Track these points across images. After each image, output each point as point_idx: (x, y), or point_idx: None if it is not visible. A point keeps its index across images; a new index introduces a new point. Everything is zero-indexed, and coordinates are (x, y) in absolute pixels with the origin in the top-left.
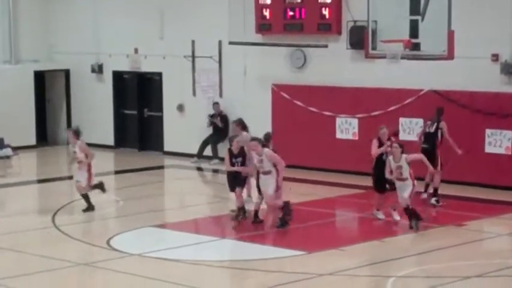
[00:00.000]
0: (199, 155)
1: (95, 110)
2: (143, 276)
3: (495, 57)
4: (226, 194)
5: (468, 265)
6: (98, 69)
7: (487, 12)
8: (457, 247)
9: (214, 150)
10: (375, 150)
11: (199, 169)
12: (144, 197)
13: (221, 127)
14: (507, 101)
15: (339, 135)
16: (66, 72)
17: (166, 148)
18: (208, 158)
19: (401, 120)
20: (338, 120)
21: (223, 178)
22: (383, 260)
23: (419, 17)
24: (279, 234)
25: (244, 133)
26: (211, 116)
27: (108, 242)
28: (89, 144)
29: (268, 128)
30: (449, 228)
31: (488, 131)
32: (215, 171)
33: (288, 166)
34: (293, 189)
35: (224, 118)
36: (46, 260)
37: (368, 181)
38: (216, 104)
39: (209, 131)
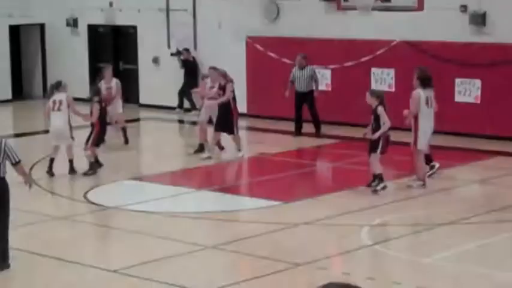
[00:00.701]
0: (181, 106)
1: (71, 64)
2: (121, 228)
3: (464, 8)
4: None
5: (442, 212)
6: (73, 23)
7: None
8: (431, 195)
9: (191, 101)
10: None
11: (179, 121)
12: (120, 150)
13: (192, 61)
14: (476, 51)
15: None
16: (41, 26)
17: (142, 101)
18: (186, 110)
19: (373, 70)
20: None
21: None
22: (357, 209)
23: None
24: (256, 185)
25: None
26: (178, 53)
27: (85, 195)
28: None
29: (243, 79)
30: None
31: (457, 81)
32: (193, 123)
33: (263, 117)
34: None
35: (194, 62)
36: (24, 214)
37: (342, 131)
38: (185, 50)
39: (181, 81)
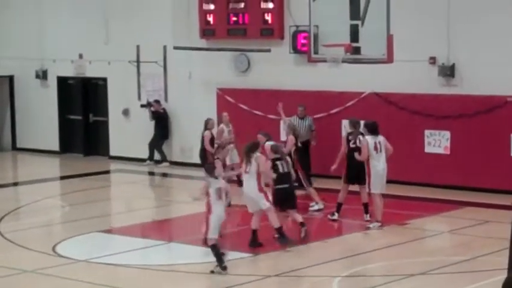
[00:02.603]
0: (151, 158)
1: (40, 116)
2: (91, 282)
3: (432, 60)
4: (171, 197)
5: (412, 263)
6: (42, 75)
7: (424, 17)
8: (401, 246)
9: (162, 153)
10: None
11: (149, 173)
12: (90, 202)
13: (162, 113)
14: (445, 102)
15: (283, 137)
16: (10, 78)
17: (112, 153)
18: (157, 161)
19: (344, 122)
20: (282, 123)
21: (170, 182)
22: (328, 260)
23: (359, 22)
24: (226, 237)
25: None
26: (148, 105)
27: (54, 249)
28: (34, 150)
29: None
30: (392, 228)
31: (427, 132)
32: (164, 174)
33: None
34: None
35: (164, 114)
36: None
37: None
38: (156, 101)
39: (151, 133)
